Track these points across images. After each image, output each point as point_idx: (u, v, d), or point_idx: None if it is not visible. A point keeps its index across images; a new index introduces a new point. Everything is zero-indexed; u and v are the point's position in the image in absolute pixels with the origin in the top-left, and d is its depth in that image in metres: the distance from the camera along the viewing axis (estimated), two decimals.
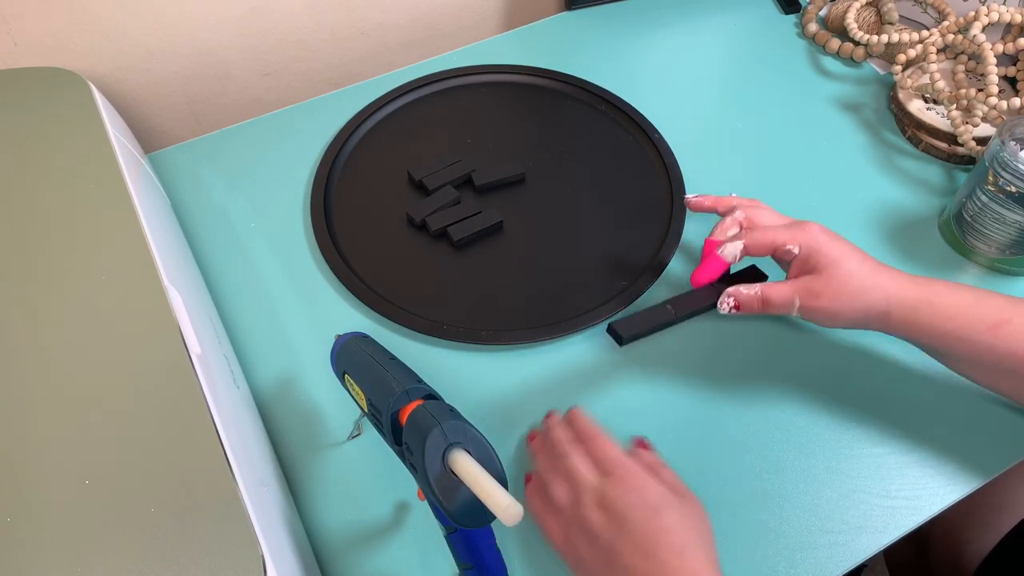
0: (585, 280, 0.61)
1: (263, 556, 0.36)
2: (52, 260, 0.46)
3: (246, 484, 0.39)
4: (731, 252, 0.51)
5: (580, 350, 0.58)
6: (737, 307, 0.51)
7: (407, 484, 0.51)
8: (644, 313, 0.52)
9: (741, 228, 0.53)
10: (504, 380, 0.56)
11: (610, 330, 0.53)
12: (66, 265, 0.46)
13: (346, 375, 0.47)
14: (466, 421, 0.40)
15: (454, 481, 0.38)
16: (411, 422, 0.40)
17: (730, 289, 0.51)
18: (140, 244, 0.48)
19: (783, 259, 0.52)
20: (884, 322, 0.50)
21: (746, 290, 0.51)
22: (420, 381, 0.44)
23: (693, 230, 0.64)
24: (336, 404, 0.55)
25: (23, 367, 0.42)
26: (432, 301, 0.59)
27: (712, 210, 0.57)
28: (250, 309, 0.60)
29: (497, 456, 0.40)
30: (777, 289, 0.50)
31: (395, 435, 0.42)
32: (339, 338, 0.49)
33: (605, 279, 0.61)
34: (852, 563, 0.48)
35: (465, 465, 0.38)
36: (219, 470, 0.39)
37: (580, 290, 0.60)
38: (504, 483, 0.37)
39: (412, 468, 0.41)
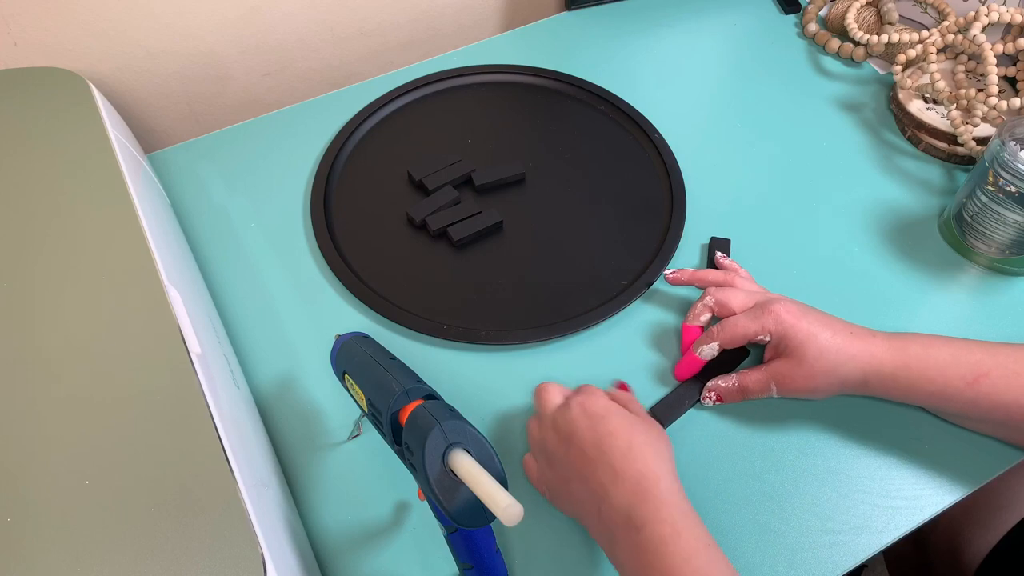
0: (585, 280, 0.61)
1: (263, 556, 0.36)
2: (52, 260, 0.46)
3: (246, 484, 0.39)
4: (708, 353, 0.54)
5: (580, 350, 0.58)
6: (719, 399, 0.53)
7: (407, 484, 0.51)
8: None
9: (713, 312, 0.55)
10: (504, 380, 0.56)
11: None
12: (66, 265, 0.46)
13: (346, 375, 0.47)
14: (466, 421, 0.40)
15: (454, 481, 0.38)
16: (411, 422, 0.40)
17: (710, 384, 0.54)
18: (140, 244, 0.48)
19: (758, 343, 0.53)
20: (864, 390, 0.51)
21: (724, 383, 0.54)
22: (420, 381, 0.44)
23: (693, 229, 0.64)
24: (336, 404, 0.55)
25: (23, 367, 0.42)
26: (432, 301, 0.59)
27: (690, 284, 0.59)
28: (250, 309, 0.60)
29: (497, 456, 0.40)
30: (753, 377, 0.52)
31: (395, 435, 0.42)
32: (339, 338, 0.49)
33: (605, 279, 0.61)
34: (852, 563, 0.48)
35: (465, 465, 0.38)
36: (219, 470, 0.39)
37: (580, 290, 0.60)
38: (504, 483, 0.37)
39: (412, 468, 0.41)
